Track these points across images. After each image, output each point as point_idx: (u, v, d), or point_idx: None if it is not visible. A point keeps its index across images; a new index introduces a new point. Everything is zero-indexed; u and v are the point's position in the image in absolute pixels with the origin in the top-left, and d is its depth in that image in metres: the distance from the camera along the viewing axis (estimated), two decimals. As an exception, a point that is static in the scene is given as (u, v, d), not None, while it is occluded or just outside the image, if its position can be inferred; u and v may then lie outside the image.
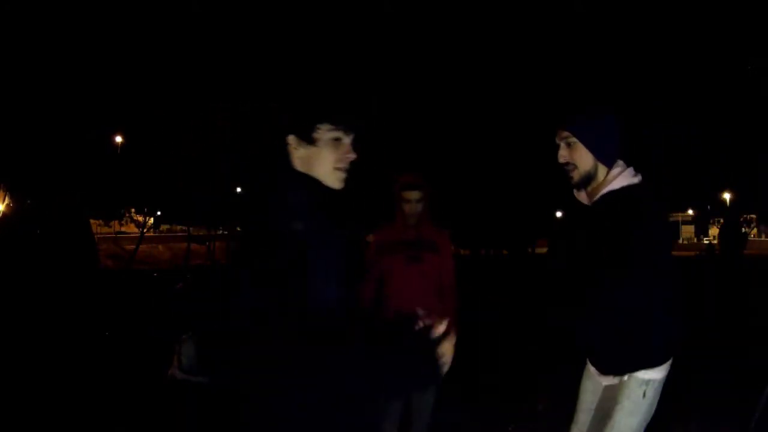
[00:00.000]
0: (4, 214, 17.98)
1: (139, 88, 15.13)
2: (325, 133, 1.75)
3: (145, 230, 23.74)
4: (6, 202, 18.87)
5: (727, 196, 27.41)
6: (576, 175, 2.21)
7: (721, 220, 29.64)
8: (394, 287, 3.24)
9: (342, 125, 1.77)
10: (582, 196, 2.29)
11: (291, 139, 1.77)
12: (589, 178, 2.20)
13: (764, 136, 15.31)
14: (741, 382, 5.00)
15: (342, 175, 1.79)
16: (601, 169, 2.19)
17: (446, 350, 1.61)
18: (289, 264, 1.57)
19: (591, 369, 2.31)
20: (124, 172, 18.19)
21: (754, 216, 30.77)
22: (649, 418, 2.14)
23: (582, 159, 2.18)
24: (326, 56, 14.88)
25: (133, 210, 24.45)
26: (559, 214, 26.90)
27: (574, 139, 2.18)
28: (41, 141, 14.64)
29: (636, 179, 2.17)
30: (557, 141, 2.23)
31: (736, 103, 15.37)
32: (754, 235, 38.64)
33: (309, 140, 1.75)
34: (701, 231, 52.52)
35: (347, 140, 1.78)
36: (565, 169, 2.24)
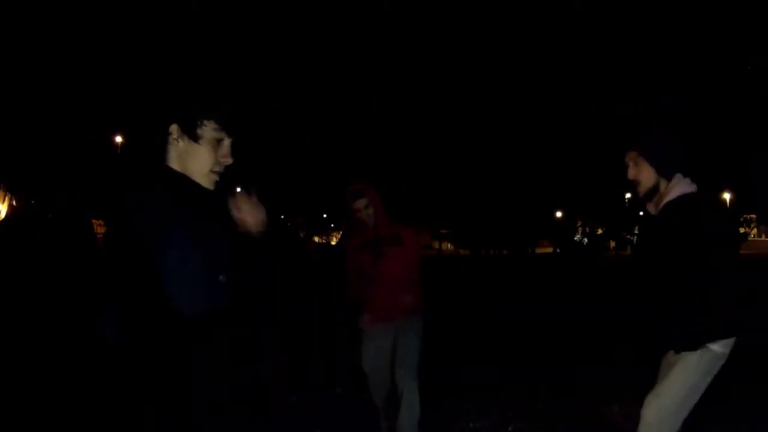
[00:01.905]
0: (6, 215, 17.98)
1: (139, 88, 15.12)
2: (209, 131, 1.71)
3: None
4: (5, 202, 18.87)
5: (727, 196, 27.39)
6: (641, 190, 2.55)
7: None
8: (368, 284, 3.52)
9: (227, 127, 1.73)
10: (650, 207, 2.60)
11: (174, 128, 1.71)
12: (652, 192, 2.54)
13: (764, 136, 15.30)
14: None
15: (216, 177, 1.75)
16: (663, 183, 2.52)
17: None
18: (143, 268, 1.55)
19: (667, 357, 2.54)
20: (124, 171, 18.18)
21: (754, 216, 30.72)
22: (701, 391, 2.40)
23: (645, 175, 2.52)
24: (318, 55, 14.85)
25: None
26: (559, 214, 26.91)
27: (641, 158, 2.52)
28: (42, 141, 14.63)
29: (692, 188, 2.48)
30: (626, 161, 2.57)
31: (736, 103, 15.36)
32: (754, 235, 38.59)
33: (192, 135, 1.70)
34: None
35: (227, 143, 1.75)
36: (633, 185, 2.57)
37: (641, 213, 2.80)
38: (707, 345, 2.40)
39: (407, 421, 3.41)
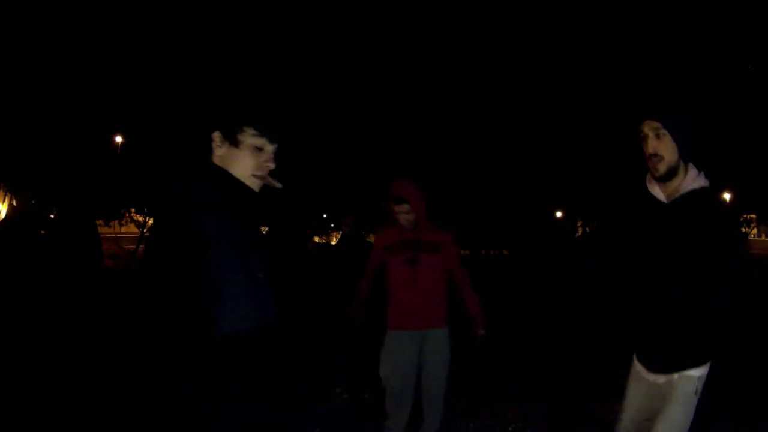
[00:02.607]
0: (7, 215, 17.97)
1: (139, 87, 15.10)
2: (248, 137, 1.76)
3: (145, 230, 23.71)
4: (6, 203, 18.85)
5: (727, 196, 27.36)
6: (662, 167, 2.19)
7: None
8: (396, 289, 3.38)
9: (267, 134, 1.78)
10: (658, 192, 2.27)
11: (216, 135, 1.78)
12: (672, 172, 2.20)
13: (763, 136, 15.30)
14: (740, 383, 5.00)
15: (258, 182, 1.81)
16: (682, 166, 2.21)
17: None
18: (188, 262, 1.58)
19: (638, 368, 2.32)
20: (124, 172, 18.15)
21: (754, 216, 30.73)
22: (695, 412, 2.20)
23: (670, 151, 2.19)
24: (318, 60, 14.85)
25: (133, 210, 24.41)
26: (559, 214, 26.90)
27: (664, 131, 2.18)
28: (43, 141, 14.63)
29: (707, 182, 2.22)
30: (645, 131, 2.21)
31: (736, 103, 15.36)
32: (754, 235, 38.58)
33: (232, 141, 1.76)
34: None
35: (270, 149, 1.80)
36: (650, 161, 2.21)
37: (630, 194, 2.39)
38: (693, 372, 2.18)
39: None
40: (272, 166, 1.80)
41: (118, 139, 19.47)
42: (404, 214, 3.33)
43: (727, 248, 2.11)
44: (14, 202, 17.78)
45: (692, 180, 2.21)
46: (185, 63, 14.38)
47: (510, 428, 4.33)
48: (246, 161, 1.77)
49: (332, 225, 34.93)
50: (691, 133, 2.23)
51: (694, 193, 2.19)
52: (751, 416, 4.32)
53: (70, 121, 14.64)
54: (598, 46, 15.12)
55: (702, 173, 2.23)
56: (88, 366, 5.75)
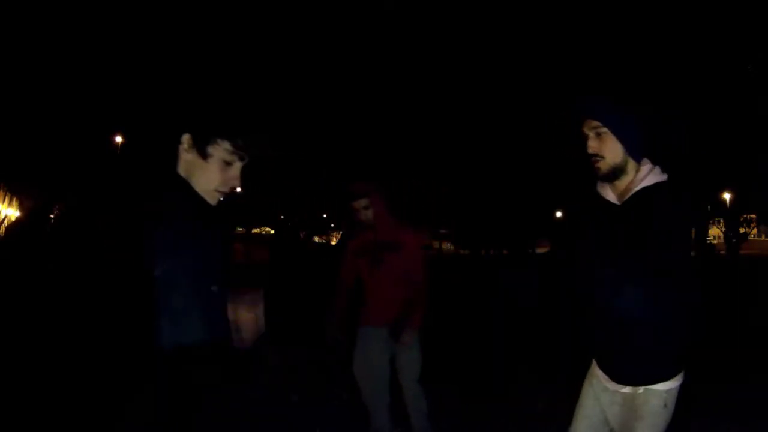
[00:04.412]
0: (6, 216, 17.96)
1: (139, 87, 15.11)
2: (220, 151, 1.62)
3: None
4: (5, 202, 18.86)
5: (727, 196, 27.38)
6: (603, 167, 2.08)
7: (721, 221, 29.60)
8: (365, 288, 3.47)
9: (240, 150, 1.62)
10: (608, 193, 2.14)
11: (185, 138, 1.63)
12: (617, 172, 2.08)
13: (764, 136, 15.29)
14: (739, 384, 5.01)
15: (220, 196, 1.66)
16: (631, 164, 2.08)
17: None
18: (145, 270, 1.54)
19: (598, 374, 2.16)
20: (124, 172, 18.17)
21: (754, 216, 30.71)
22: (668, 422, 2.05)
23: (612, 151, 2.06)
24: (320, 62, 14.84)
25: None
26: (559, 214, 26.90)
27: (604, 130, 2.06)
28: (44, 142, 14.64)
29: (664, 177, 2.08)
30: (585, 131, 2.10)
31: (736, 103, 15.36)
32: (754, 235, 38.58)
33: (201, 150, 1.61)
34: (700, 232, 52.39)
35: (238, 165, 1.64)
36: (591, 161, 2.09)
37: (578, 197, 2.27)
38: (661, 386, 2.01)
39: (419, 422, 3.44)
40: (238, 185, 1.65)
41: (118, 139, 19.48)
42: (362, 209, 3.36)
43: (671, 244, 1.95)
44: (19, 203, 17.79)
45: (643, 178, 2.06)
46: (184, 62, 14.39)
47: (510, 428, 4.33)
48: (212, 175, 1.62)
49: (332, 225, 34.93)
50: (641, 129, 2.09)
51: (645, 190, 2.04)
52: (751, 416, 4.32)
53: (70, 121, 14.65)
54: (598, 47, 15.12)
55: (657, 168, 2.09)
56: (77, 367, 5.75)
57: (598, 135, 2.07)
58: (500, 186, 19.28)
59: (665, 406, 2.01)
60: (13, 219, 18.07)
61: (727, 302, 9.30)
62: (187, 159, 1.65)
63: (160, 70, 14.55)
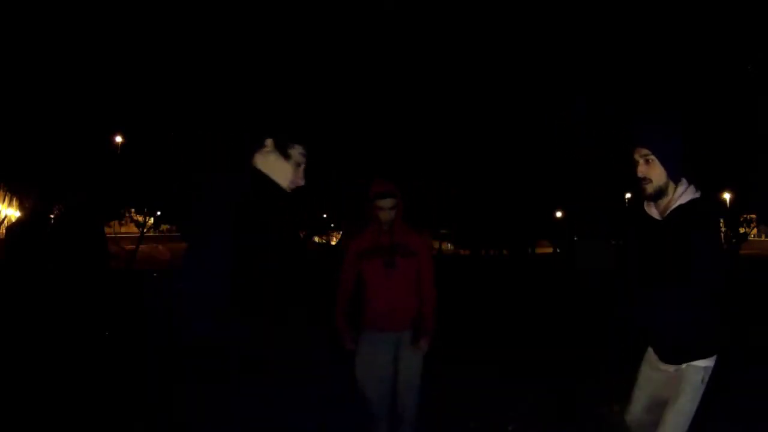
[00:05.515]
0: (6, 216, 17.98)
1: (140, 87, 15.09)
2: (296, 154, 1.98)
3: (145, 230, 23.72)
4: (6, 203, 18.87)
5: (727, 196, 27.36)
6: (650, 189, 2.47)
7: (721, 221, 29.55)
8: (373, 291, 3.38)
9: (308, 154, 2.00)
10: (652, 210, 2.53)
11: (269, 142, 1.97)
12: (661, 193, 2.47)
13: (764, 136, 15.29)
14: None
15: (290, 191, 2.02)
16: (671, 185, 2.47)
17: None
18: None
19: (652, 357, 2.60)
20: (124, 172, 18.15)
21: (754, 216, 30.69)
22: (701, 398, 2.48)
23: (658, 175, 2.45)
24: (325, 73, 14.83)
25: (133, 210, 24.41)
26: (558, 214, 26.89)
27: (652, 157, 2.44)
28: (44, 142, 14.63)
29: (697, 194, 2.46)
30: (636, 157, 2.48)
31: (736, 103, 15.35)
32: (754, 235, 38.54)
33: (284, 152, 1.97)
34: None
35: (303, 166, 2.01)
36: (640, 184, 2.49)
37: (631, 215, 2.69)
38: (699, 362, 2.46)
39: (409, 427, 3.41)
40: (302, 183, 2.01)
41: (118, 139, 19.46)
42: (387, 210, 3.31)
43: (701, 251, 2.35)
44: (19, 203, 17.79)
45: (680, 196, 2.45)
46: (184, 62, 14.38)
47: (510, 428, 4.33)
48: (288, 173, 1.98)
49: (332, 225, 34.93)
50: (680, 153, 2.47)
51: (681, 208, 2.44)
52: (752, 416, 4.32)
53: (70, 121, 14.64)
54: (598, 48, 15.12)
55: (692, 186, 2.47)
56: (84, 366, 5.75)
57: (647, 162, 2.46)
58: (500, 186, 19.26)
59: (702, 381, 2.45)
60: (13, 219, 18.08)
61: (726, 302, 9.28)
62: (269, 159, 1.98)
63: (160, 70, 14.54)
